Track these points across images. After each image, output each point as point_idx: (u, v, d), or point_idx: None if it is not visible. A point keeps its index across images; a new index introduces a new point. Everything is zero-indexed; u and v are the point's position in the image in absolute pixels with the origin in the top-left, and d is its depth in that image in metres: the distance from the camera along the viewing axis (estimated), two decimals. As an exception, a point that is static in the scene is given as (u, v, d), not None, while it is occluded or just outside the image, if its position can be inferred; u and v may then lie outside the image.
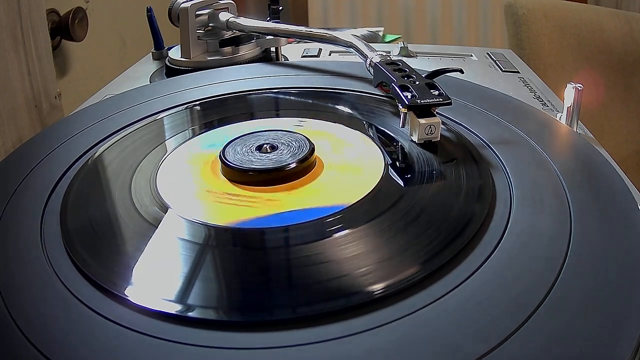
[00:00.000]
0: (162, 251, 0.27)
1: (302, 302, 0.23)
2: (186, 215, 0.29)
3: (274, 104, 0.45)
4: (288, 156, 0.32)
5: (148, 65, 0.61)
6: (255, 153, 0.33)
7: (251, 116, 0.41)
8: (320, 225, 0.27)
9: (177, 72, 0.53)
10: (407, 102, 0.34)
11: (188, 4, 0.54)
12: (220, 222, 0.28)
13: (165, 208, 0.30)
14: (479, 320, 0.21)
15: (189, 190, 0.31)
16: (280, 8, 0.60)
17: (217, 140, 0.36)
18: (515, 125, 0.37)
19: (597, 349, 0.20)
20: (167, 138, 0.38)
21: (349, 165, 0.33)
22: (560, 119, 0.42)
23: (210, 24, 0.57)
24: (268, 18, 0.59)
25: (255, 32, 0.55)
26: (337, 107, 0.42)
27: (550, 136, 0.36)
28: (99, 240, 0.28)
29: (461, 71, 0.41)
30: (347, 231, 0.27)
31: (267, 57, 0.58)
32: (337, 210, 0.28)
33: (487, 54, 0.63)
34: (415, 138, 0.34)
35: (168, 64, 0.56)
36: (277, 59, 0.58)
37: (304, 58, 0.61)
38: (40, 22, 0.61)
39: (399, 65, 0.39)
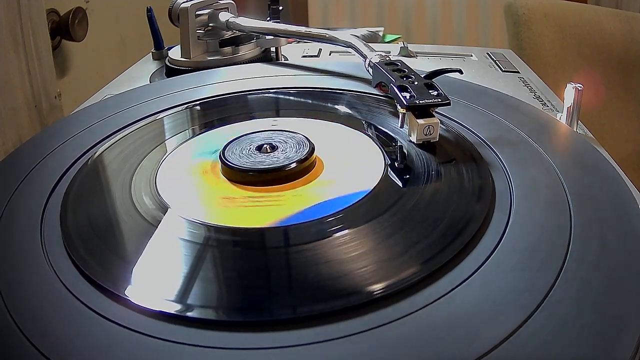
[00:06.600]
0: (161, 251, 0.27)
1: (301, 302, 0.23)
2: (186, 215, 0.29)
3: (274, 104, 0.45)
4: (288, 156, 0.32)
5: (148, 65, 0.61)
6: (256, 153, 0.33)
7: (251, 116, 0.41)
8: (320, 225, 0.27)
9: (177, 72, 0.53)
10: (405, 103, 0.34)
11: (188, 4, 0.54)
12: (220, 222, 0.28)
13: (165, 208, 0.30)
14: (479, 320, 0.21)
15: (188, 190, 0.31)
16: (280, 8, 0.60)
17: (217, 141, 0.36)
18: (515, 125, 0.37)
19: (597, 349, 0.20)
20: (167, 138, 0.38)
21: (348, 166, 0.33)
22: (560, 119, 0.42)
23: (210, 24, 0.57)
24: (268, 18, 0.59)
25: (255, 32, 0.55)
26: (336, 107, 0.42)
27: (550, 136, 0.36)
28: (99, 240, 0.28)
29: (460, 71, 0.41)
30: (347, 231, 0.27)
31: (267, 57, 0.57)
32: (337, 210, 0.28)
33: (487, 54, 0.63)
34: (413, 139, 0.34)
35: (168, 64, 0.56)
36: (277, 59, 0.58)
37: (304, 58, 0.61)
38: (40, 22, 0.61)
39: (397, 65, 0.39)
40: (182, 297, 0.24)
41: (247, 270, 0.26)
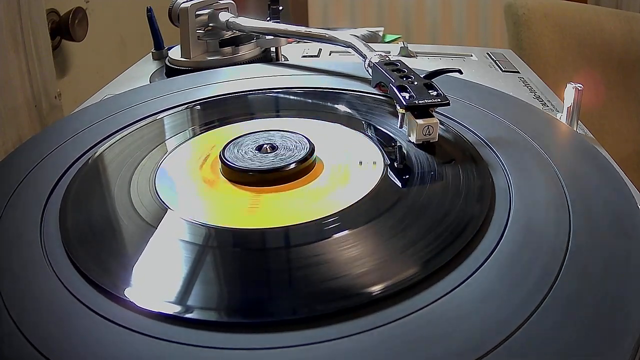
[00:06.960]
0: (161, 252, 0.27)
1: (302, 303, 0.23)
2: (186, 216, 0.29)
3: (274, 104, 0.45)
4: (288, 156, 0.32)
5: (148, 65, 0.61)
6: (255, 153, 0.33)
7: (251, 116, 0.41)
8: (320, 226, 0.27)
9: (177, 72, 0.53)
10: (404, 103, 0.34)
11: (188, 4, 0.54)
12: (220, 223, 0.28)
13: (164, 208, 0.30)
14: (478, 321, 0.21)
15: (188, 191, 0.31)
16: (280, 8, 0.60)
17: (217, 140, 0.36)
18: (515, 125, 0.37)
19: (597, 349, 0.20)
20: (167, 138, 0.38)
21: (348, 166, 0.33)
22: (560, 119, 0.42)
23: (210, 24, 0.57)
24: (268, 18, 0.59)
25: (255, 32, 0.55)
26: (336, 107, 0.42)
27: (550, 136, 0.36)
28: (99, 240, 0.28)
29: (460, 71, 0.41)
30: (346, 232, 0.27)
31: (267, 57, 0.58)
32: (336, 211, 0.28)
33: (487, 54, 0.63)
34: (413, 139, 0.34)
35: (168, 64, 0.56)
36: (277, 59, 0.58)
37: (304, 58, 0.61)
38: (40, 22, 0.61)
39: (397, 65, 0.39)
40: (181, 298, 0.24)
41: (246, 271, 0.26)
